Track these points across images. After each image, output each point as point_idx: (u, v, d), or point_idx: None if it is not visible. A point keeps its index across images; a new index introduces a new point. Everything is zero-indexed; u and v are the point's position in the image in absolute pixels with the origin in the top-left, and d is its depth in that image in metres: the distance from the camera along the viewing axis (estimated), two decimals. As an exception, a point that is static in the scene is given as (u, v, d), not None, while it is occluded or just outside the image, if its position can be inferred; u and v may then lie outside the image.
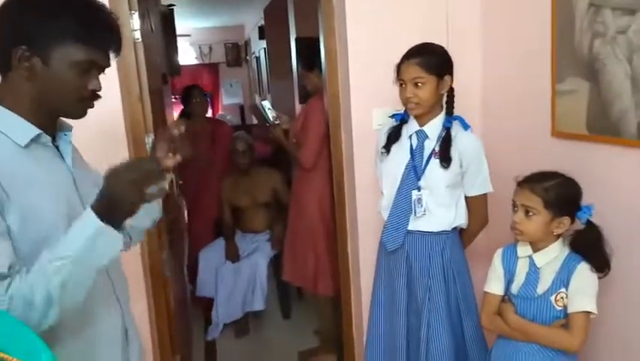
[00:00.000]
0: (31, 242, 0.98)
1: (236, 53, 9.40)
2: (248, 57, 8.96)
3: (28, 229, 0.97)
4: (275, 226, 3.25)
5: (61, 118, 1.13)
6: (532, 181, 1.51)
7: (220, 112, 9.65)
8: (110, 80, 1.11)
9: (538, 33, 1.79)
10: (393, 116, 1.86)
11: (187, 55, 9.01)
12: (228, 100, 9.55)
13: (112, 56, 1.09)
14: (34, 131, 1.03)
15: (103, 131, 1.88)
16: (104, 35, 1.05)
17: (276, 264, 3.14)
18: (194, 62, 9.38)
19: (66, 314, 0.97)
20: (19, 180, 0.97)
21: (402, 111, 1.83)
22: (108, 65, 1.09)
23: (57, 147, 1.11)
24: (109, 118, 1.91)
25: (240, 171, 3.28)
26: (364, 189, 2.17)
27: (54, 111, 1.07)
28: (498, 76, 2.14)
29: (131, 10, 2.00)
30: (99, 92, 1.08)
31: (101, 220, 0.93)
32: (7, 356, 0.78)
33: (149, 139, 2.11)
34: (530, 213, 1.49)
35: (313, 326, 3.13)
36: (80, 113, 1.09)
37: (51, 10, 1.00)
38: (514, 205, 1.54)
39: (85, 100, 1.07)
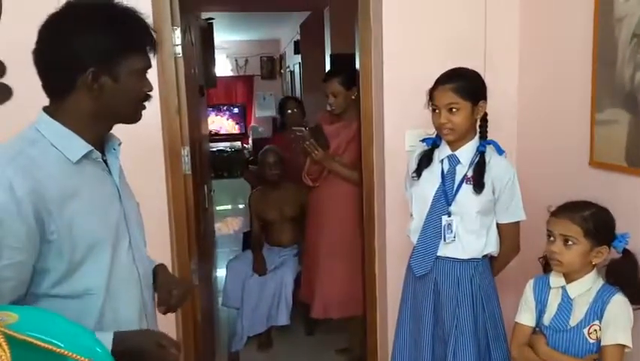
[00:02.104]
0: (64, 261, 1.01)
1: (271, 67, 9.54)
2: (282, 71, 9.08)
3: (64, 248, 1.00)
4: (302, 241, 3.25)
5: (111, 132, 1.17)
6: (569, 210, 1.48)
7: (252, 124, 9.78)
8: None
9: (579, 61, 1.76)
10: (424, 140, 1.85)
11: (223, 67, 9.19)
12: (261, 112, 9.68)
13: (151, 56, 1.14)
14: (86, 147, 1.06)
15: (141, 143, 1.93)
16: (147, 39, 1.11)
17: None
18: (230, 74, 9.56)
19: None
20: (65, 196, 1.00)
21: (433, 135, 1.82)
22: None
23: (105, 161, 1.14)
24: (147, 130, 1.96)
25: (269, 185, 3.31)
26: (394, 211, 2.16)
27: (114, 119, 1.13)
28: (535, 102, 2.12)
29: (173, 25, 2.07)
30: (150, 93, 1.14)
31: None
32: (64, 351, 0.81)
33: (185, 151, 2.16)
34: (569, 243, 1.46)
35: (335, 345, 3.11)
36: (138, 117, 1.15)
37: (102, 27, 1.04)
38: (551, 235, 1.51)
39: (141, 102, 1.13)
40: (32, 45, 1.87)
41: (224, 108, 9.61)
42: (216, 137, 9.17)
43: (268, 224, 3.34)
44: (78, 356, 0.81)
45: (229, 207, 7.32)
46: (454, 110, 1.66)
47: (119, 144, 1.19)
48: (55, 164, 1.02)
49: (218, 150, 8.70)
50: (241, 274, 3.17)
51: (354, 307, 2.67)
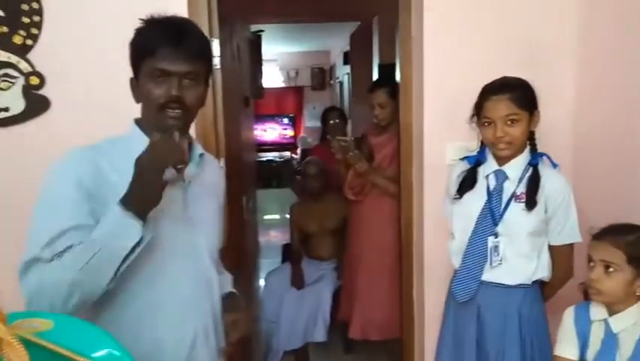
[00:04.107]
0: None
1: (322, 78, 9.58)
2: (332, 81, 9.08)
3: None
4: (342, 255, 3.16)
5: (195, 143, 1.27)
6: (613, 234, 1.35)
7: (301, 134, 9.82)
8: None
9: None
10: (465, 158, 1.71)
11: (275, 78, 9.30)
12: (310, 123, 9.69)
13: (190, 60, 1.13)
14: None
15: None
16: (159, 43, 1.11)
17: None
18: (282, 85, 9.66)
19: (88, 297, 1.05)
20: (123, 184, 1.05)
21: (475, 152, 1.68)
22: (183, 70, 1.13)
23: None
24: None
25: (310, 196, 3.24)
26: (434, 229, 2.02)
27: (151, 125, 1.15)
28: (594, 110, 1.93)
29: (211, 37, 2.04)
30: (181, 98, 1.13)
31: (128, 210, 1.03)
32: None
33: (221, 163, 2.13)
34: (610, 270, 1.33)
35: (375, 365, 3.00)
36: (163, 124, 1.12)
37: (136, 34, 1.16)
38: (590, 260, 1.37)
39: (162, 109, 1.13)
40: (70, 58, 1.91)
41: (274, 119, 9.70)
42: (265, 147, 9.25)
43: (308, 236, 3.27)
44: None
45: (277, 216, 7.33)
46: (512, 121, 1.53)
47: (200, 155, 1.26)
48: (124, 157, 1.09)
49: (267, 160, 8.79)
50: (278, 287, 3.12)
51: (394, 330, 2.54)
